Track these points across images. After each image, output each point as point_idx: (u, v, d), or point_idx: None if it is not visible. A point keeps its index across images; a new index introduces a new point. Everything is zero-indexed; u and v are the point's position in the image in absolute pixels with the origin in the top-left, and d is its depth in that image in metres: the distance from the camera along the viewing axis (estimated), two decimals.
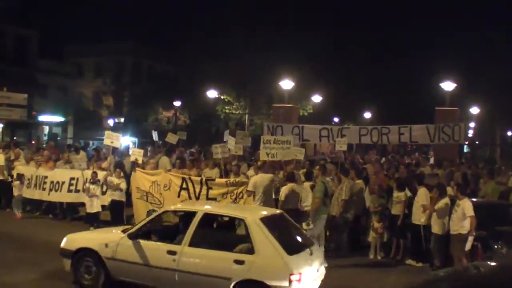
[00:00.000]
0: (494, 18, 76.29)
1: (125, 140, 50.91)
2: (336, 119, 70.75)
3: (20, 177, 22.83)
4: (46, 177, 22.30)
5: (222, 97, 56.77)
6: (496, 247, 14.68)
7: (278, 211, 14.16)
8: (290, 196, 16.76)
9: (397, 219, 17.06)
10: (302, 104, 53.97)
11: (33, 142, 41.80)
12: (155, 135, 34.24)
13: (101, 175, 20.79)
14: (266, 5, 74.61)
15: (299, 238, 13.02)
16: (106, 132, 22.40)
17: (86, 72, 75.55)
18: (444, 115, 28.02)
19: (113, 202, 20.00)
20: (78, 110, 66.18)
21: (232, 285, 11.32)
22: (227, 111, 58.21)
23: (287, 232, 13.17)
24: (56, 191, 22.02)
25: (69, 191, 21.68)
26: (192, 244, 12.03)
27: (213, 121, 61.76)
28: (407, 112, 58.58)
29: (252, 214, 12.42)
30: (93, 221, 20.12)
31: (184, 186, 18.78)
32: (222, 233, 13.29)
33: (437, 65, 49.94)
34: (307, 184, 17.88)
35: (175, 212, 14.32)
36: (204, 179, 18.86)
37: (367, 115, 73.63)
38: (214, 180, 19.02)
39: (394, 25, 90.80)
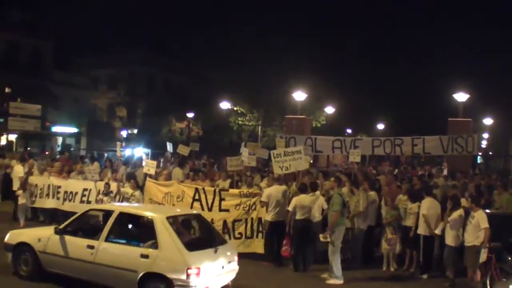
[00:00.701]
0: (508, 30, 76.12)
1: (138, 151, 51.02)
2: (349, 131, 70.64)
3: (24, 186, 22.90)
4: (59, 187, 22.38)
5: (235, 108, 56.76)
6: (510, 259, 14.57)
7: (194, 212, 16.24)
8: (299, 207, 16.81)
9: (409, 230, 16.99)
10: (315, 115, 53.90)
11: (46, 153, 41.93)
12: (169, 147, 34.32)
13: (113, 186, 20.82)
14: (280, 17, 74.86)
15: (206, 237, 14.21)
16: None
17: (99, 83, 75.90)
18: (458, 126, 27.95)
19: None
20: (91, 121, 66.40)
21: (139, 277, 12.29)
22: (240, 122, 58.17)
23: (196, 231, 15.72)
24: (69, 201, 22.08)
25: (82, 202, 21.69)
26: (107, 239, 13.12)
27: (226, 132, 61.73)
28: (420, 123, 58.55)
29: (160, 214, 13.37)
30: None
31: (197, 197, 18.74)
32: (133, 230, 14.39)
33: (450, 76, 49.91)
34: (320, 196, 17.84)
35: (98, 210, 15.74)
36: (217, 190, 18.85)
37: (380, 126, 73.54)
38: (227, 190, 19.04)
39: (408, 37, 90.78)
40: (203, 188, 18.97)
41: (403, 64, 77.49)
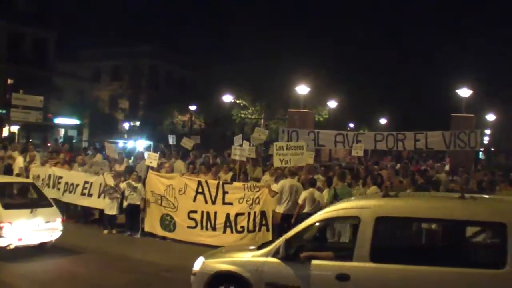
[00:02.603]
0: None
1: (140, 144, 50.99)
2: (351, 125, 70.60)
3: (20, 176, 22.94)
4: (61, 177, 22.32)
5: (237, 101, 56.76)
6: None
7: (26, 180, 20.30)
8: (309, 200, 16.94)
9: None
10: (318, 109, 53.87)
11: (48, 144, 41.92)
12: (172, 139, 34.30)
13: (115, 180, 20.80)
14: (283, 10, 74.70)
15: (27, 201, 17.43)
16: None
17: (102, 75, 75.93)
18: (460, 121, 27.87)
19: (130, 206, 19.95)
20: (94, 113, 66.41)
21: None
22: (242, 115, 58.17)
23: (20, 196, 18.02)
24: (70, 192, 22.01)
25: (83, 194, 21.65)
26: None
27: (228, 125, 61.71)
28: (423, 118, 58.47)
29: None
30: (109, 224, 20.23)
31: (200, 190, 18.74)
32: None
33: (454, 72, 49.86)
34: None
35: None
36: (221, 183, 18.89)
37: (383, 121, 73.55)
38: (231, 183, 19.05)
39: (411, 31, 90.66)
40: (206, 181, 18.96)
41: (407, 59, 77.39)
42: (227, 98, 54.69)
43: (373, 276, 10.29)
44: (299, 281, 10.77)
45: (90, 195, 21.40)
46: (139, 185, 20.01)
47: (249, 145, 23.68)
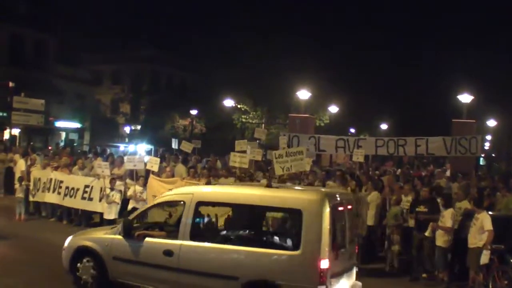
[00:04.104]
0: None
1: (141, 148, 50.97)
2: (352, 130, 70.55)
3: (21, 180, 22.99)
4: (61, 181, 22.35)
5: (238, 106, 56.80)
6: None
7: None
8: None
9: (411, 231, 16.97)
10: (319, 114, 53.89)
11: (49, 148, 41.92)
12: (174, 143, 34.34)
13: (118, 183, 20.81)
14: (285, 15, 74.78)
15: None
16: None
17: (104, 79, 75.94)
18: (461, 127, 27.91)
19: (134, 209, 19.92)
20: (95, 117, 66.38)
21: None
22: (243, 120, 58.19)
23: None
24: (70, 197, 22.05)
25: (83, 198, 21.69)
26: None
27: (229, 130, 61.71)
28: (424, 123, 58.48)
29: None
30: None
31: None
32: None
33: (455, 78, 49.80)
34: None
35: None
36: None
37: (384, 126, 73.50)
38: None
39: (412, 37, 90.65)
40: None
41: (408, 65, 77.40)
42: (228, 102, 54.75)
43: (191, 252, 12.14)
44: (135, 255, 12.81)
45: (90, 199, 21.47)
46: (137, 187, 20.05)
47: (257, 147, 23.73)
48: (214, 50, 68.85)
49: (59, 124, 60.29)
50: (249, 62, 57.33)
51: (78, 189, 21.89)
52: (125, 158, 22.70)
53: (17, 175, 24.27)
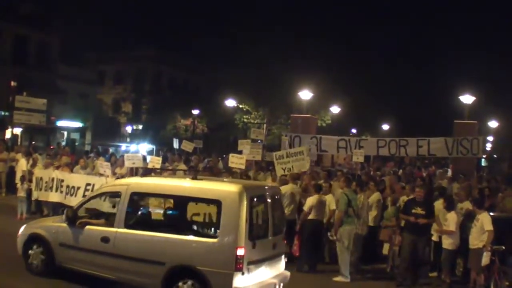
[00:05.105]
0: None
1: (143, 147, 51.04)
2: (354, 131, 70.57)
3: (23, 179, 23.04)
4: (62, 180, 22.32)
5: (240, 106, 56.79)
6: None
7: None
8: (316, 207, 16.91)
9: None
10: (321, 114, 53.85)
11: (51, 147, 41.92)
12: (175, 143, 34.31)
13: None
14: (286, 16, 74.82)
15: None
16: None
17: (106, 79, 76.01)
18: (463, 128, 27.87)
19: None
20: (97, 116, 66.49)
21: None
22: (245, 120, 58.19)
23: None
24: (71, 195, 21.98)
25: (84, 196, 21.65)
26: None
27: (231, 130, 61.73)
28: (425, 124, 58.49)
29: None
30: None
31: None
32: None
33: (456, 78, 49.84)
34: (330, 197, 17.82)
35: None
36: None
37: (385, 127, 73.52)
38: None
39: (413, 38, 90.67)
40: None
41: (409, 65, 77.45)
42: (230, 102, 54.79)
43: (125, 239, 12.99)
44: (77, 242, 13.73)
45: None
46: None
47: (259, 147, 23.73)
48: (216, 50, 69.06)
49: (61, 123, 60.39)
50: (251, 62, 57.44)
51: (79, 188, 21.78)
52: (125, 156, 22.85)
53: (19, 174, 24.28)
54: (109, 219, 13.88)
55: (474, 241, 14.82)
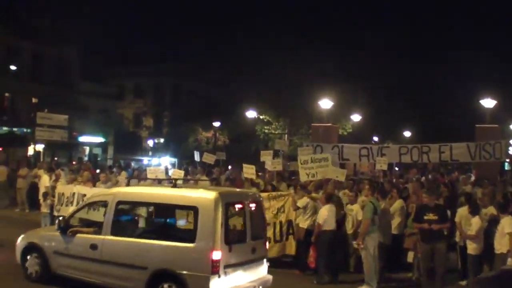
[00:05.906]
0: None
1: (165, 161, 51.16)
2: (375, 138, 70.25)
3: (46, 195, 23.16)
4: (84, 195, 22.37)
5: (261, 117, 56.77)
6: None
7: None
8: (329, 218, 16.73)
9: None
10: (342, 123, 53.68)
11: (73, 162, 42.13)
12: (196, 155, 34.43)
13: None
14: (306, 25, 74.79)
15: None
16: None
17: (126, 93, 76.35)
18: (485, 132, 27.68)
19: None
20: (118, 131, 66.72)
21: None
22: (266, 131, 58.15)
23: None
24: (94, 210, 22.05)
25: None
26: None
27: (252, 141, 61.68)
28: (447, 130, 58.10)
29: None
30: None
31: None
32: None
33: (478, 82, 49.50)
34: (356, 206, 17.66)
35: None
36: None
37: (407, 133, 73.18)
38: None
39: (434, 43, 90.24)
40: None
41: (430, 71, 76.96)
42: (251, 113, 54.74)
43: (111, 246, 13.74)
44: (68, 250, 14.55)
45: None
46: None
47: (279, 158, 23.83)
48: (235, 62, 68.95)
49: (83, 139, 60.65)
50: (271, 73, 57.38)
51: None
52: (147, 169, 23.05)
53: (42, 190, 24.39)
54: (98, 227, 14.57)
55: (497, 246, 14.68)
